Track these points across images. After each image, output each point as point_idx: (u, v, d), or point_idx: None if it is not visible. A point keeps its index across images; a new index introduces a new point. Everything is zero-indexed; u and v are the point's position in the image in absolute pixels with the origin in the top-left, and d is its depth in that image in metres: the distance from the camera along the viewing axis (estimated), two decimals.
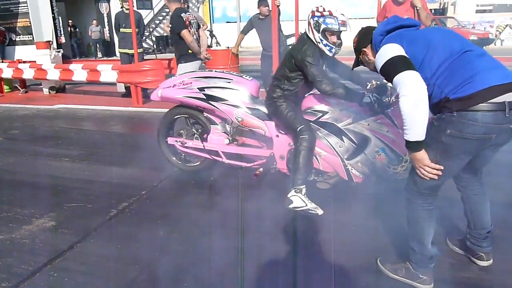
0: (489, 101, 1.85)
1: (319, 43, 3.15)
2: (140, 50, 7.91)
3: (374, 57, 2.20)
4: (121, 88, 8.79)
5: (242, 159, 3.84)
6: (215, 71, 3.91)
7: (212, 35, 19.56)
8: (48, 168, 4.52)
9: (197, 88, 3.64)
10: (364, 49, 2.38)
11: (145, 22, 20.03)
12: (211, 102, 3.59)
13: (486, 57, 1.98)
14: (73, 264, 2.65)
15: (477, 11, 19.32)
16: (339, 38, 3.22)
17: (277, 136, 3.50)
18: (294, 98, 3.37)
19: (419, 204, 2.18)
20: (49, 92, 9.62)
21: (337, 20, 3.13)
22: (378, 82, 3.15)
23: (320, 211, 3.13)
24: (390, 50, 2.03)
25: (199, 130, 3.96)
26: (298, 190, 3.17)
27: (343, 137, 3.24)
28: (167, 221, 3.17)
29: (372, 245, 2.73)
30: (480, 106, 1.85)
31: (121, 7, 7.91)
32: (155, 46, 18.12)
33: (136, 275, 2.50)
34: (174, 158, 4.11)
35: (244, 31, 7.05)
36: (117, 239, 2.92)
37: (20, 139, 5.84)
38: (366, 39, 2.36)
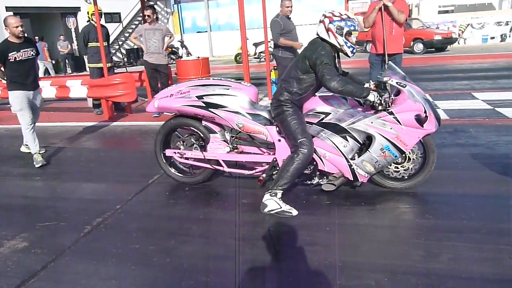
0: None
1: (343, 46, 3.22)
2: (110, 64, 7.85)
3: None
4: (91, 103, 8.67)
5: (243, 167, 3.81)
6: (213, 79, 3.84)
7: (183, 46, 19.58)
8: (19, 188, 4.43)
9: (196, 96, 3.58)
10: None
11: (115, 35, 19.92)
12: (211, 110, 3.54)
13: None
14: (47, 284, 2.61)
15: (440, 12, 20.00)
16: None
17: (279, 140, 3.48)
18: (300, 103, 3.37)
19: None
20: None
21: (355, 22, 3.26)
22: (376, 82, 3.30)
23: (294, 212, 3.21)
24: None
25: (198, 140, 3.87)
26: (273, 194, 3.24)
27: (347, 136, 3.28)
28: (143, 234, 3.15)
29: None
30: None
31: (88, 21, 7.83)
32: (125, 59, 17.95)
33: None
34: (173, 171, 4.02)
35: (280, 33, 6.34)
36: (93, 255, 2.89)
37: None
38: None
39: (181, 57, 8.01)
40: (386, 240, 2.84)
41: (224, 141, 3.75)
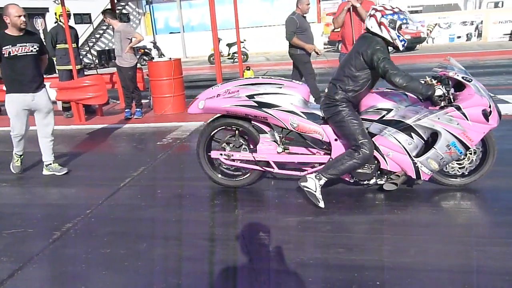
0: None
1: (396, 39, 3.18)
2: (79, 66, 7.69)
3: None
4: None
5: (292, 168, 3.70)
6: (261, 77, 3.66)
7: (156, 47, 19.34)
8: None
9: (246, 96, 3.44)
10: None
11: (85, 36, 19.49)
12: (264, 109, 3.41)
13: None
14: None
15: (408, 12, 20.48)
16: None
17: (336, 140, 3.40)
18: (356, 100, 3.33)
19: None
20: None
21: (407, 15, 3.22)
22: (431, 78, 3.22)
23: (322, 204, 3.26)
24: None
25: (246, 141, 3.73)
26: (318, 177, 3.27)
27: (411, 133, 3.20)
28: (114, 238, 3.11)
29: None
30: None
31: (56, 22, 7.65)
32: (97, 60, 17.61)
33: None
34: (218, 174, 3.83)
35: (295, 32, 6.15)
36: (62, 262, 2.84)
37: None
38: None
39: (153, 58, 7.88)
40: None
41: (274, 141, 3.62)
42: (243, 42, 16.98)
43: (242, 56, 16.87)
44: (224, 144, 3.74)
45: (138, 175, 4.39)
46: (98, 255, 2.89)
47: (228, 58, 17.03)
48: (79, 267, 2.74)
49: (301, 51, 6.14)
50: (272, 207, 3.36)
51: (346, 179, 3.46)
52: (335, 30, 6.05)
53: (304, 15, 6.23)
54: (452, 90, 3.16)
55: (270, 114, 3.42)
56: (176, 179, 4.22)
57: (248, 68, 8.13)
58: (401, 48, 3.26)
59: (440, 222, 3.02)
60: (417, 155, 3.26)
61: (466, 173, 3.46)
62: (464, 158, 3.40)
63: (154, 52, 17.58)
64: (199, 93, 3.74)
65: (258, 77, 3.59)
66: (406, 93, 3.31)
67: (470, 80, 3.18)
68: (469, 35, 18.39)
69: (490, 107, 3.14)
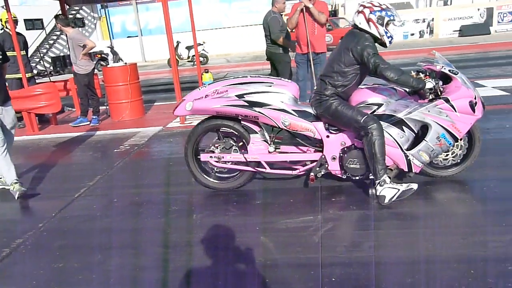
0: None
1: (383, 36, 3.20)
2: (30, 74, 7.40)
3: None
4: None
5: (284, 167, 3.65)
6: (250, 76, 3.53)
7: (113, 52, 18.85)
8: None
9: (235, 95, 3.38)
10: None
11: (37, 42, 18.75)
12: (255, 109, 3.35)
13: None
14: None
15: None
16: None
17: (328, 136, 3.38)
18: (345, 95, 3.34)
19: None
20: None
21: (394, 12, 3.23)
22: (417, 72, 3.26)
23: (414, 186, 3.18)
24: None
25: (237, 142, 3.64)
26: (382, 183, 3.16)
27: (403, 127, 3.24)
28: (67, 251, 3.01)
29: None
30: None
31: (2, 29, 7.32)
32: (51, 67, 17.02)
33: None
34: (208, 178, 3.72)
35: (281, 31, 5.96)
36: (11, 280, 2.72)
37: None
38: None
39: (108, 64, 7.62)
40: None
41: (264, 141, 3.56)
42: (202, 44, 16.89)
43: (202, 59, 16.86)
44: (213, 146, 3.66)
45: (94, 185, 4.26)
46: (49, 270, 2.78)
47: (188, 61, 16.88)
48: (29, 285, 2.63)
49: (283, 51, 6.03)
50: (230, 210, 3.35)
51: (339, 175, 3.47)
52: (292, 31, 6.09)
53: (281, 13, 6.12)
54: (440, 83, 3.25)
55: (262, 113, 3.36)
56: (133, 187, 4.14)
57: (206, 70, 8.06)
58: (388, 45, 3.30)
59: (433, 213, 3.09)
60: (408, 148, 3.32)
61: (454, 164, 3.55)
62: (452, 149, 3.50)
63: (111, 57, 17.15)
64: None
65: (247, 76, 3.53)
66: (395, 87, 3.37)
67: (457, 73, 3.28)
68: (421, 32, 19.09)
69: (475, 98, 3.24)
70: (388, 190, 3.14)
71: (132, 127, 6.64)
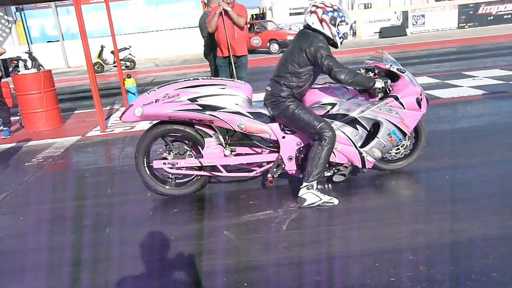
0: None
1: (336, 36, 3.21)
2: None
3: None
4: None
5: (240, 170, 3.60)
6: (202, 79, 3.41)
7: (31, 57, 17.64)
8: None
9: (188, 99, 3.22)
10: None
11: None
12: (209, 112, 3.23)
13: None
14: None
15: (291, 14, 21.61)
16: None
17: (283, 137, 3.36)
18: (300, 96, 3.32)
19: None
20: None
21: (345, 12, 3.23)
22: (365, 70, 3.33)
23: (336, 201, 3.18)
24: None
25: (191, 147, 3.51)
26: (310, 187, 3.16)
27: (356, 125, 3.31)
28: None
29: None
30: None
31: None
32: None
33: None
34: (163, 185, 3.59)
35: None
36: None
37: None
38: None
39: (19, 71, 6.99)
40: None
41: (219, 144, 3.45)
42: (128, 48, 16.37)
43: (130, 63, 16.33)
44: (166, 152, 3.51)
45: None
46: None
47: (114, 66, 16.29)
48: None
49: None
50: (145, 221, 3.22)
51: (296, 174, 3.47)
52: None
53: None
54: (389, 82, 3.35)
55: (217, 117, 3.27)
56: (42, 203, 3.85)
57: (128, 76, 7.82)
58: (339, 45, 3.33)
59: (386, 204, 3.21)
60: (362, 146, 3.41)
61: (403, 157, 3.73)
62: (402, 143, 3.65)
63: (29, 63, 16.05)
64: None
65: (198, 78, 3.41)
66: (347, 87, 3.43)
67: (404, 71, 3.42)
68: (345, 33, 20.01)
69: (421, 94, 3.40)
70: (311, 196, 3.20)
71: (47, 138, 6.24)
